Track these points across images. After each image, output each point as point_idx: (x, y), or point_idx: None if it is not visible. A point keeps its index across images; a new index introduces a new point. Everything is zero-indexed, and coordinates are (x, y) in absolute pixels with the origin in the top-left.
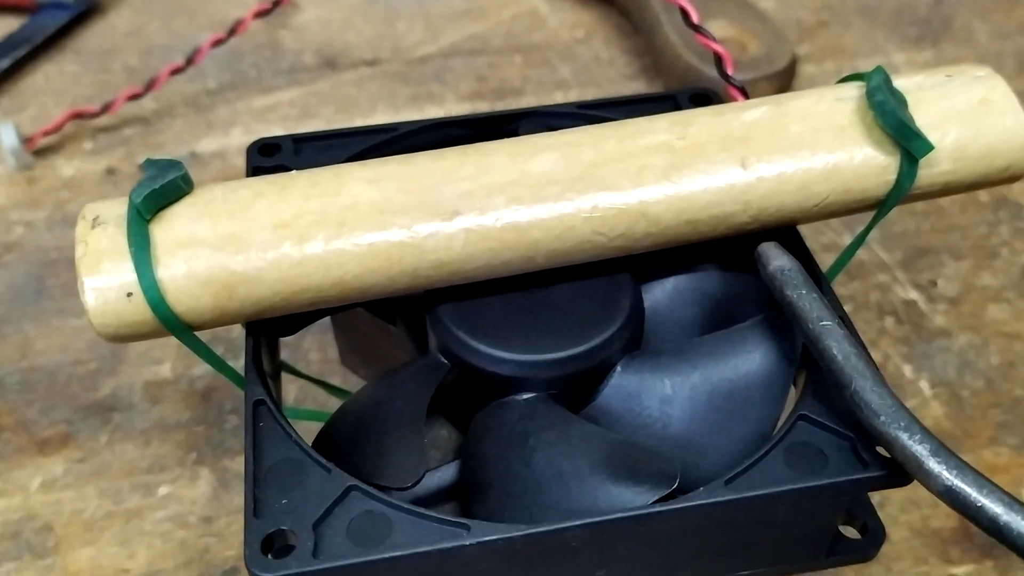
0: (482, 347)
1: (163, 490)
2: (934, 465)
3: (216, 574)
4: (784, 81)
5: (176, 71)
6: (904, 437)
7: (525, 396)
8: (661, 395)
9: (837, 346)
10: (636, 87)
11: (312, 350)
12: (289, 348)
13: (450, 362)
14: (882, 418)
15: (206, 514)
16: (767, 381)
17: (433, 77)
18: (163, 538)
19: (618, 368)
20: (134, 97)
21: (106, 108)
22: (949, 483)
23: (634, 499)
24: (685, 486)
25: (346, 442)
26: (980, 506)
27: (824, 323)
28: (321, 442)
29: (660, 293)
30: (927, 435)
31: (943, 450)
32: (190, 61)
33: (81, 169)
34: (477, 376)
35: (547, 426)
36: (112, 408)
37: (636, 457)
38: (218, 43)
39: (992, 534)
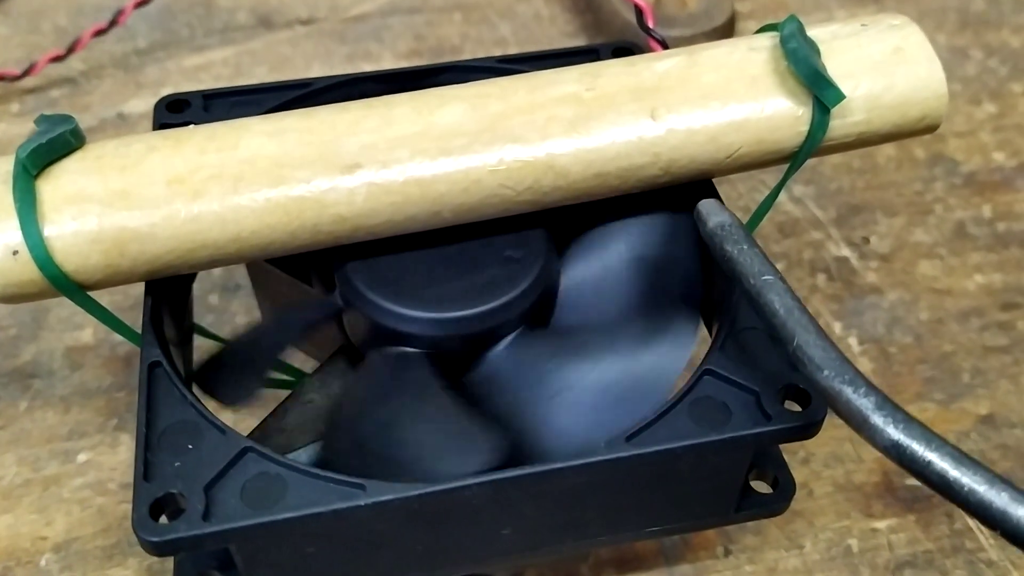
0: (369, 294)
1: (82, 457)
2: (879, 419)
3: (135, 541)
4: (722, 37)
5: (100, 32)
6: (848, 391)
7: (404, 350)
8: (545, 378)
9: (779, 300)
10: (576, 44)
11: (239, 313)
12: (216, 312)
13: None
14: (826, 372)
15: (126, 480)
16: (655, 380)
17: (370, 35)
18: (81, 505)
19: (506, 341)
20: (57, 59)
21: (28, 70)
22: (895, 438)
23: (462, 467)
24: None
25: (217, 364)
26: (928, 462)
27: (766, 277)
28: (201, 369)
29: (585, 270)
30: (872, 389)
31: (888, 404)
32: (114, 22)
33: (7, 132)
34: (365, 324)
35: (409, 383)
36: (32, 375)
37: (471, 429)
38: (143, 3)
39: (940, 491)
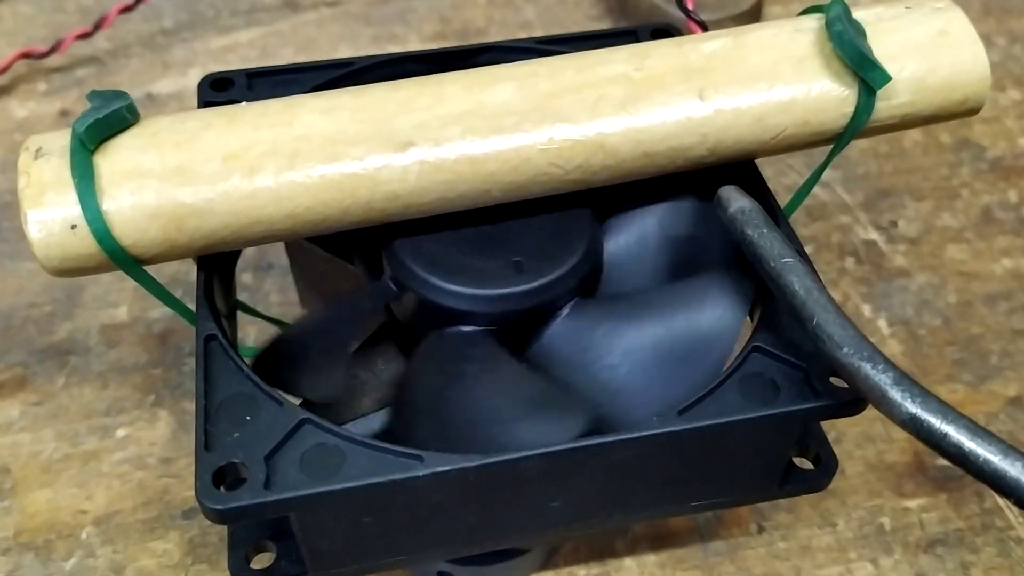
0: (427, 276)
1: (121, 432)
2: (897, 394)
3: (176, 514)
4: (750, 21)
5: (126, 9)
6: (867, 367)
7: (465, 328)
8: (607, 343)
9: (799, 281)
10: (601, 27)
11: (272, 292)
12: (250, 290)
13: (398, 289)
14: (845, 349)
15: (165, 455)
16: (714, 337)
17: (396, 18)
18: (121, 479)
19: (565, 311)
20: (83, 36)
21: (55, 48)
22: (913, 412)
23: (547, 437)
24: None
25: (282, 357)
26: (945, 434)
27: (785, 260)
28: (261, 361)
29: (624, 239)
30: (889, 365)
31: (906, 379)
32: (139, 0)
33: (35, 111)
34: (423, 306)
35: (479, 359)
36: (68, 351)
37: (554, 398)
38: None
39: (957, 462)
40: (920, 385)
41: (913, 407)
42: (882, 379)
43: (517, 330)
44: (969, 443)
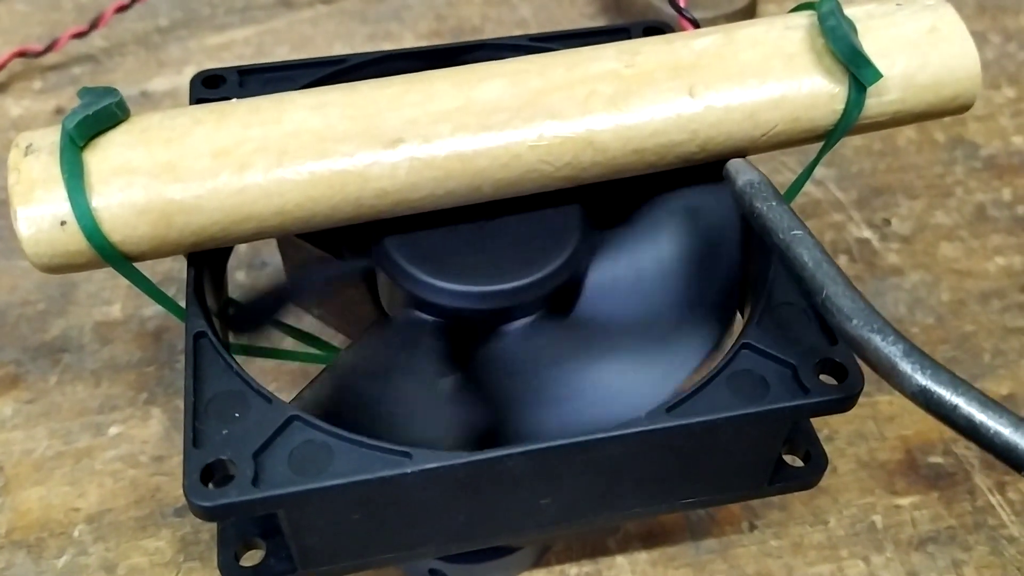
0: (394, 255)
1: (114, 430)
2: (907, 367)
3: (168, 512)
4: (744, 19)
5: (122, 8)
6: (877, 339)
7: (417, 314)
8: (548, 369)
9: (808, 253)
10: (596, 26)
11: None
12: (244, 289)
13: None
14: (854, 321)
15: (157, 453)
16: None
17: (391, 16)
18: (114, 477)
19: (521, 322)
20: (79, 35)
21: (51, 46)
22: (923, 384)
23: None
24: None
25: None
26: (955, 406)
27: (795, 232)
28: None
29: (619, 267)
30: (899, 337)
31: (916, 351)
32: None
33: (29, 109)
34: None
35: (415, 347)
36: (62, 349)
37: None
38: None
39: (967, 434)
40: (930, 358)
41: (923, 379)
42: (892, 351)
43: (471, 328)
44: (980, 415)
